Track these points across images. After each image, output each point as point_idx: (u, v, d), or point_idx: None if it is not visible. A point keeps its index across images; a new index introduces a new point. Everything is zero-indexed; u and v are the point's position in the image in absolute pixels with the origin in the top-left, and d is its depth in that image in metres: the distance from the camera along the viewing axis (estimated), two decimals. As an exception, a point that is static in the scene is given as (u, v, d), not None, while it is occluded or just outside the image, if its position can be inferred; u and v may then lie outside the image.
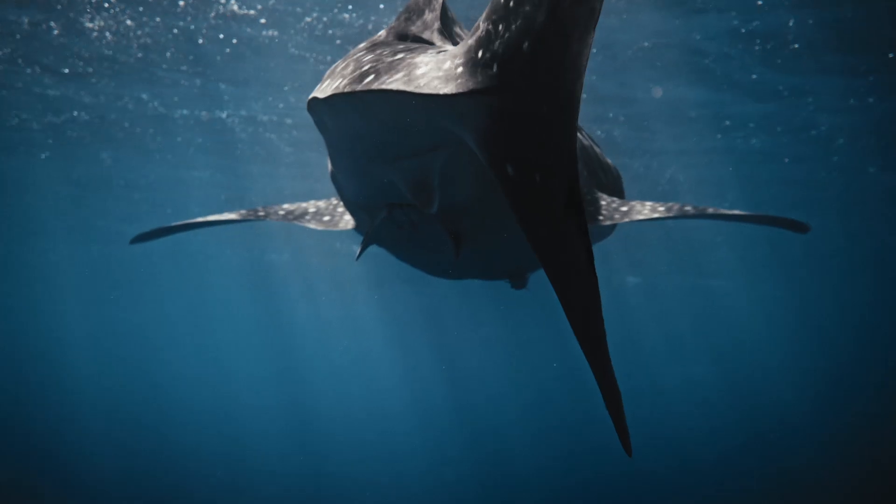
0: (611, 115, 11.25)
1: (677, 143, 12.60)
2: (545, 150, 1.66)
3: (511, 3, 1.59)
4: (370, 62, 2.28)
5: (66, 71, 10.03)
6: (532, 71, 1.62)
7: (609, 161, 4.31)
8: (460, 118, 1.85)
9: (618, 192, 4.18)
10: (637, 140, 12.39)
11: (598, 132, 12.13)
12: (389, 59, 2.19)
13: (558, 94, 1.62)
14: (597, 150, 4.21)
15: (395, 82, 2.00)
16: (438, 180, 2.56)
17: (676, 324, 32.83)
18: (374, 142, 2.52)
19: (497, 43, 1.65)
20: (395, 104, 2.08)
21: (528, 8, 1.56)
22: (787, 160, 13.15)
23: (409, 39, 2.66)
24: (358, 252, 3.37)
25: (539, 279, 4.80)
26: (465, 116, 1.82)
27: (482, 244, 3.24)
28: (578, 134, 3.99)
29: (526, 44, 1.59)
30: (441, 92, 1.79)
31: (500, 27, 1.63)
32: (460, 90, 1.74)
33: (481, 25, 1.72)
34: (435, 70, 1.89)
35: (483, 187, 2.75)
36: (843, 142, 12.00)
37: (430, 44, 2.59)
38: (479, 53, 1.70)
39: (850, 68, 9.22)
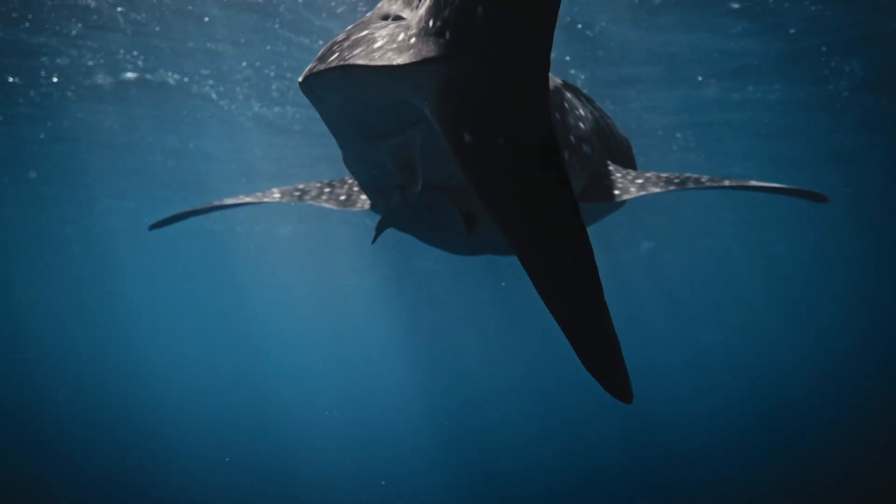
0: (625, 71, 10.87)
1: (689, 98, 12.26)
2: (510, 113, 1.64)
3: None
4: (339, 42, 2.29)
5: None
6: (488, 35, 1.59)
7: (619, 131, 4.23)
8: (416, 89, 1.84)
9: (629, 161, 4.11)
10: (647, 97, 12.06)
11: (608, 102, 11.91)
12: (355, 37, 2.19)
13: (521, 56, 1.59)
14: (608, 120, 4.12)
15: (353, 58, 2.01)
16: (419, 158, 2.55)
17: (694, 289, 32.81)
18: (355, 121, 2.51)
19: (447, 10, 1.64)
20: (356, 80, 2.08)
21: None
22: (799, 113, 12.86)
23: (390, 19, 2.63)
24: (374, 236, 3.33)
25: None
26: (420, 86, 1.81)
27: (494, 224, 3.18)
28: (589, 105, 3.89)
29: (480, 8, 1.57)
30: (394, 63, 1.79)
31: None
32: (412, 60, 1.74)
33: None
34: (390, 42, 1.90)
35: None
36: (848, 95, 11.71)
37: None
38: (431, 22, 1.70)
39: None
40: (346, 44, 2.19)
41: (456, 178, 2.76)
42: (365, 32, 2.20)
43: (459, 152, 1.73)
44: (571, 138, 3.24)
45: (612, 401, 1.84)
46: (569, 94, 3.54)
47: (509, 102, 1.63)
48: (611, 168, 3.61)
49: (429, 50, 1.69)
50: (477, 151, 1.70)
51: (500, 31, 1.58)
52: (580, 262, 1.72)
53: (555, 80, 3.30)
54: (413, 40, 1.79)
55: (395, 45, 1.86)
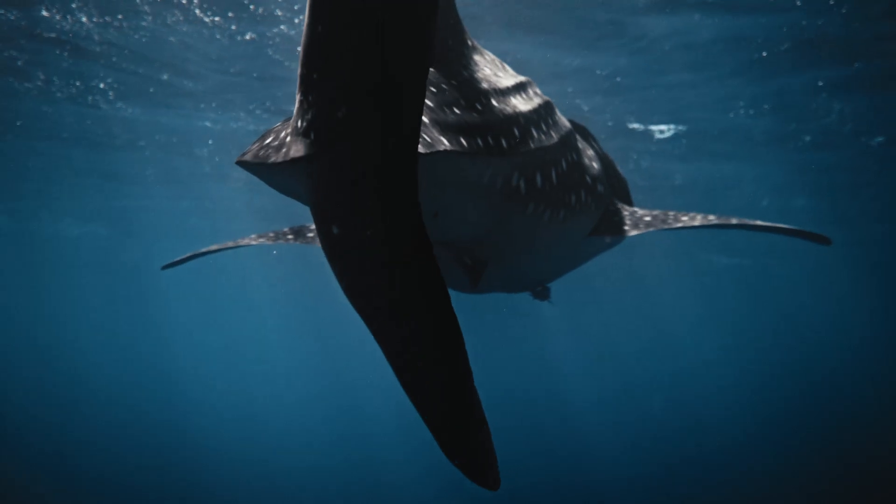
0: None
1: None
2: (376, 208, 1.68)
3: (315, 76, 1.63)
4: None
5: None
6: (351, 135, 1.63)
7: (619, 168, 4.32)
8: (296, 184, 1.89)
9: (627, 198, 4.20)
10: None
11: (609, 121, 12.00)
12: (266, 130, 2.23)
13: (386, 154, 1.64)
14: (610, 158, 4.21)
15: (247, 153, 2.05)
16: None
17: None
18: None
19: (310, 112, 1.68)
20: (255, 173, 2.10)
21: (339, 74, 1.59)
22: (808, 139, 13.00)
23: None
24: None
25: (556, 288, 4.79)
26: (298, 182, 1.86)
27: (505, 267, 3.23)
28: (596, 144, 3.97)
29: (342, 111, 1.62)
30: (267, 161, 1.85)
31: (311, 97, 1.67)
32: (282, 159, 1.80)
33: (297, 96, 1.76)
34: (275, 140, 1.96)
35: (491, 219, 2.74)
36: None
37: None
38: (299, 122, 1.74)
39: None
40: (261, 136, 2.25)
41: (456, 232, 2.78)
42: (275, 126, 2.25)
43: (328, 245, 1.77)
44: (588, 179, 3.30)
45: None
46: (580, 136, 3.62)
47: (376, 197, 1.67)
48: (619, 206, 3.69)
49: (297, 149, 1.72)
50: (345, 244, 1.74)
51: (363, 131, 1.62)
52: (450, 350, 1.74)
53: (565, 121, 3.37)
54: (288, 139, 1.82)
55: (276, 143, 1.91)
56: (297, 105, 1.74)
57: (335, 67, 1.59)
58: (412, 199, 1.70)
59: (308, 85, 1.66)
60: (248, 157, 1.97)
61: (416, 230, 1.71)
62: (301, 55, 1.66)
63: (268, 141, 1.98)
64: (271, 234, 4.05)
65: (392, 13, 1.53)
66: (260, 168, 1.92)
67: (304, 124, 1.71)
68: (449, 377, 1.75)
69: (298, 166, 1.74)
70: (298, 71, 1.69)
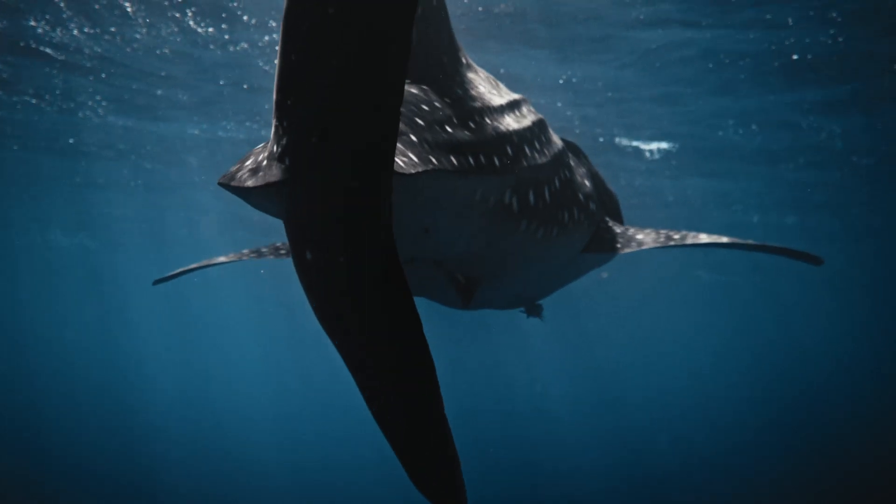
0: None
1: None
2: (350, 234, 1.67)
3: (289, 102, 1.63)
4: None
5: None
6: (324, 161, 1.63)
7: (610, 186, 4.31)
8: (272, 207, 1.91)
9: (618, 215, 4.19)
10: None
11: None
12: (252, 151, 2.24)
13: (359, 181, 1.64)
14: (600, 175, 4.20)
15: (225, 176, 2.04)
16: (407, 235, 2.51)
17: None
18: None
19: (285, 138, 1.68)
20: (234, 194, 2.08)
21: (312, 101, 1.59)
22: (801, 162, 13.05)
23: None
24: None
25: (549, 305, 4.76)
26: (275, 206, 1.86)
27: (498, 284, 3.20)
28: (587, 163, 3.96)
29: (315, 138, 1.61)
30: (244, 185, 1.85)
31: (285, 123, 1.66)
32: (257, 183, 1.80)
33: (273, 122, 1.76)
34: (253, 162, 1.96)
35: (484, 236, 2.72)
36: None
37: None
38: (274, 147, 1.74)
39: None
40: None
41: (449, 250, 2.76)
42: (256, 148, 2.25)
43: (301, 269, 1.76)
44: (580, 196, 3.29)
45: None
46: (571, 154, 3.60)
47: (348, 224, 1.67)
48: (610, 224, 3.67)
49: (272, 174, 1.72)
50: (318, 269, 1.73)
51: (336, 158, 1.62)
52: (420, 379, 1.72)
53: (557, 139, 3.35)
54: (264, 163, 1.82)
55: (254, 166, 1.91)
56: (272, 130, 1.73)
57: (309, 95, 1.59)
58: (386, 226, 1.69)
59: (282, 111, 1.65)
60: (226, 180, 1.97)
61: (390, 257, 1.70)
62: (275, 82, 1.65)
63: (247, 164, 1.98)
64: (264, 249, 4.02)
65: (366, 42, 1.53)
66: (237, 191, 1.92)
67: (279, 149, 1.70)
68: (419, 407, 1.73)
69: (272, 191, 1.73)
70: (273, 97, 1.67)
